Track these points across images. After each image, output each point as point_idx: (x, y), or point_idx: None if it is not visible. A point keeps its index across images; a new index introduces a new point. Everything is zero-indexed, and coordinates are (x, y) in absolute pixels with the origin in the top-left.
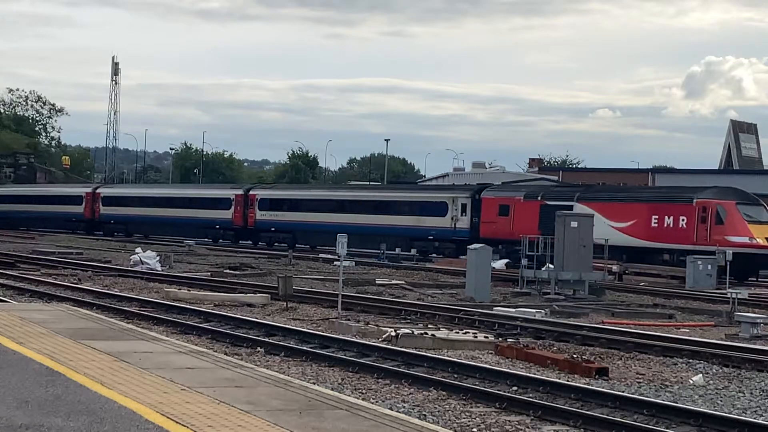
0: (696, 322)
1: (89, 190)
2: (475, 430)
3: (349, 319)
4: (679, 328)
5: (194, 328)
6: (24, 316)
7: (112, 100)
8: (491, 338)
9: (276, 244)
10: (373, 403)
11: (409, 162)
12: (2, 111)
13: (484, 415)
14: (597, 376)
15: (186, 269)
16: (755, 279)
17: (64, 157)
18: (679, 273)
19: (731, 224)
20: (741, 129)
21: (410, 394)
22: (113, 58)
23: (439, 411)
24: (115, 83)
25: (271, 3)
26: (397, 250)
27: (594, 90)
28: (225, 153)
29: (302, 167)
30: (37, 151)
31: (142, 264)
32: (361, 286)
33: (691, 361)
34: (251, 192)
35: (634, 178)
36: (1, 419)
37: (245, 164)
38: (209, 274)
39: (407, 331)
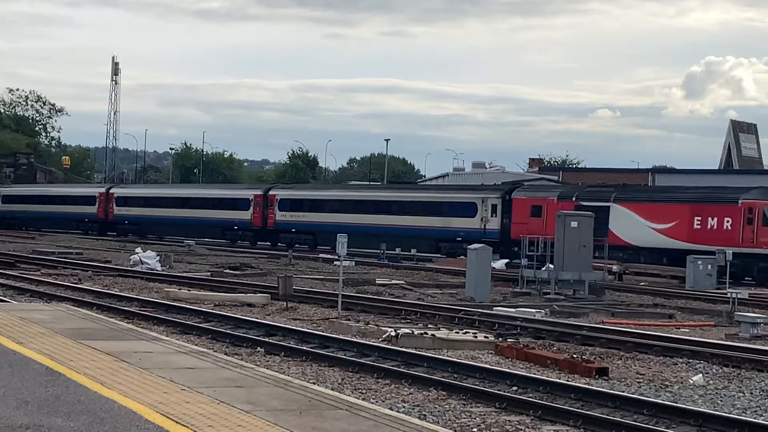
0: (696, 322)
1: (102, 190)
2: (475, 430)
3: (349, 319)
4: (679, 328)
5: (194, 328)
6: (24, 316)
7: (112, 100)
8: (491, 338)
9: (297, 245)
10: (373, 403)
11: (409, 162)
12: (2, 111)
13: (484, 415)
14: (597, 376)
15: (186, 269)
16: None
17: (64, 157)
18: (679, 273)
19: None
20: (741, 129)
21: (410, 394)
22: (113, 58)
23: (439, 411)
24: (115, 83)
25: (271, 3)
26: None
27: (594, 90)
28: (225, 153)
29: (302, 167)
30: (37, 151)
31: (142, 264)
32: (361, 286)
33: (691, 361)
34: (271, 192)
35: (634, 178)
36: (1, 419)
37: (245, 164)
38: (209, 274)
39: (407, 331)
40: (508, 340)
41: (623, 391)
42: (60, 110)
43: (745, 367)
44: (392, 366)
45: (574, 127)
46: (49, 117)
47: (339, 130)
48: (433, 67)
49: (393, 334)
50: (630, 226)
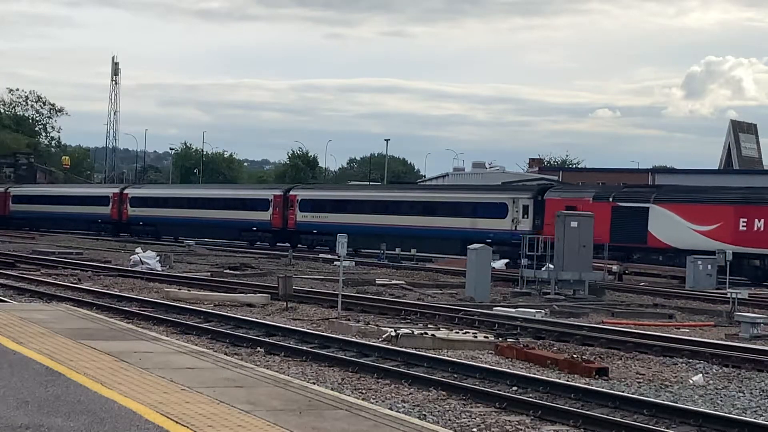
0: (696, 322)
1: (116, 190)
2: (475, 430)
3: (349, 319)
4: (679, 328)
5: (194, 328)
6: (24, 316)
7: (112, 100)
8: (491, 338)
9: (318, 246)
10: (373, 403)
11: (409, 162)
12: (2, 111)
13: (484, 415)
14: (597, 376)
15: (186, 269)
16: None
17: (64, 158)
18: (679, 273)
19: None
20: (741, 129)
21: (410, 394)
22: (113, 58)
23: (439, 411)
24: (115, 83)
25: (271, 3)
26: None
27: (594, 90)
28: (225, 153)
29: (302, 167)
30: (37, 151)
31: (142, 264)
32: (361, 286)
33: (691, 361)
34: (291, 192)
35: (634, 178)
36: (1, 419)
37: (245, 164)
38: (209, 274)
39: (407, 331)
40: (508, 340)
41: (623, 391)
42: (60, 110)
43: (745, 367)
44: (392, 366)
45: (574, 127)
46: (49, 117)
47: (339, 130)
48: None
49: (393, 334)
50: (670, 227)
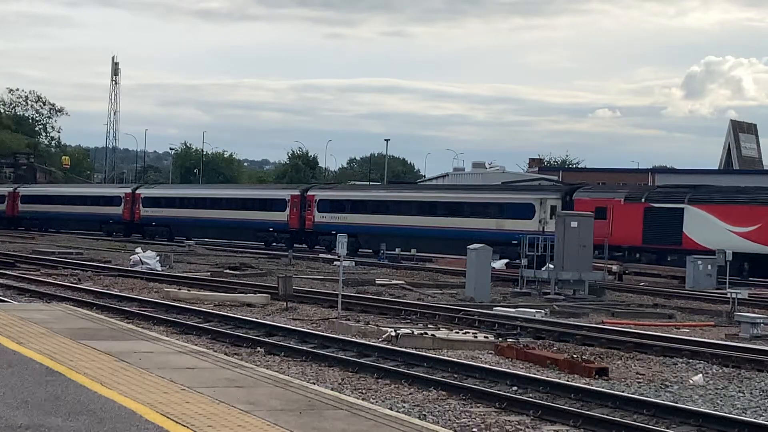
0: (696, 322)
1: (128, 190)
2: (475, 430)
3: (349, 319)
4: (679, 328)
5: (194, 328)
6: (24, 316)
7: (112, 100)
8: (491, 338)
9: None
10: (373, 403)
11: (409, 162)
12: (2, 111)
13: (484, 415)
14: (597, 376)
15: (186, 269)
16: None
17: (63, 158)
18: (679, 273)
19: None
20: (741, 129)
21: (410, 394)
22: (113, 58)
23: (439, 411)
24: (115, 83)
25: (271, 3)
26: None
27: (594, 90)
28: (225, 153)
29: (302, 167)
30: (37, 151)
31: (142, 264)
32: (361, 286)
33: (691, 361)
34: (309, 193)
35: (634, 178)
36: (1, 419)
37: (245, 164)
38: (209, 274)
39: (407, 331)
40: (508, 340)
41: (623, 391)
42: (60, 110)
43: (745, 367)
44: (392, 366)
45: (574, 127)
46: (49, 117)
47: (339, 130)
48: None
49: (393, 334)
50: (707, 229)
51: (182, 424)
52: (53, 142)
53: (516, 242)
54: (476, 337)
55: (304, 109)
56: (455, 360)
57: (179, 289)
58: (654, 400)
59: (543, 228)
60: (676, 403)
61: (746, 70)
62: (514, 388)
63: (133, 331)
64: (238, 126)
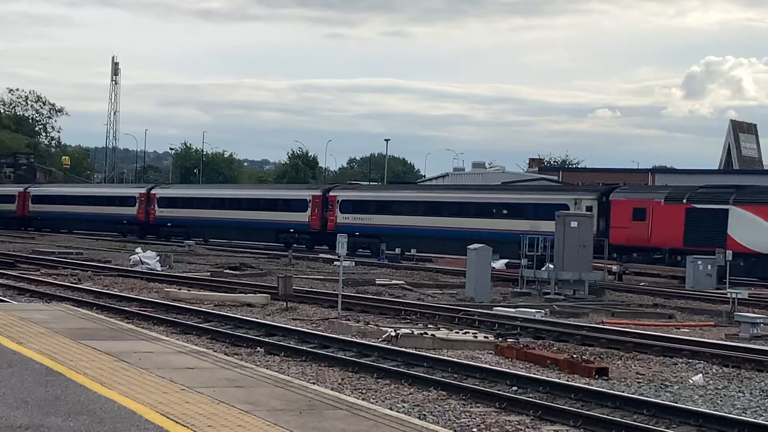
0: (696, 322)
1: (143, 190)
2: (475, 430)
3: (349, 319)
4: (679, 328)
5: (194, 328)
6: (24, 316)
7: (112, 100)
8: (491, 338)
9: (360, 250)
10: (373, 403)
11: (409, 162)
12: (2, 111)
13: (484, 415)
14: (597, 376)
15: (186, 269)
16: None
17: (63, 157)
18: (679, 273)
19: None
20: (741, 129)
21: (410, 394)
22: (113, 58)
23: (439, 411)
24: (115, 83)
25: (271, 3)
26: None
27: (594, 90)
28: (225, 153)
29: (302, 167)
30: (37, 151)
31: (142, 264)
32: (361, 286)
33: (691, 361)
34: (331, 193)
35: (634, 178)
36: (1, 419)
37: (245, 164)
38: (209, 274)
39: (407, 331)
40: (508, 340)
41: (623, 391)
42: (60, 110)
43: (745, 367)
44: (392, 366)
45: (574, 127)
46: (49, 117)
47: (339, 130)
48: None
49: (393, 334)
50: (754, 231)
51: (182, 424)
52: (53, 142)
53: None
54: (476, 337)
55: (304, 109)
56: (455, 360)
57: (179, 289)
58: (654, 400)
59: None
60: (676, 403)
61: (746, 70)
62: (514, 388)
63: (133, 331)
64: (238, 126)
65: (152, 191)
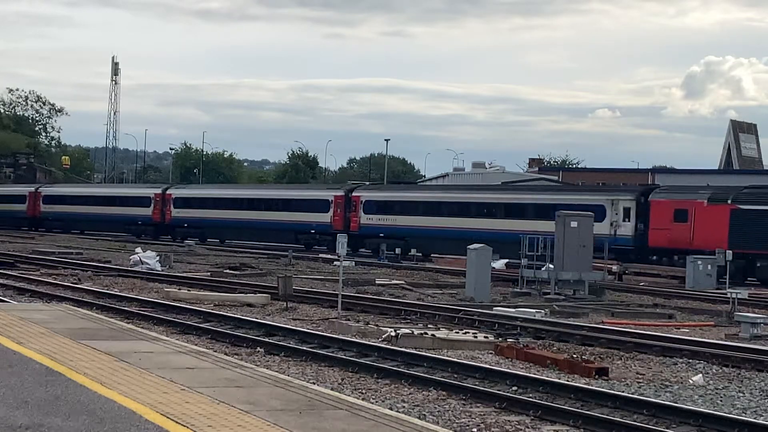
0: (696, 322)
1: (158, 191)
2: (475, 430)
3: (349, 319)
4: (679, 328)
5: (194, 328)
6: (24, 316)
7: (112, 100)
8: (491, 338)
9: (383, 251)
10: (373, 403)
11: (409, 162)
12: (2, 111)
13: (484, 415)
14: (597, 376)
15: (186, 269)
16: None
17: (63, 157)
18: (679, 273)
19: None
20: (741, 129)
21: (410, 394)
22: (113, 58)
23: (439, 411)
24: (115, 83)
25: (271, 3)
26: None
27: (594, 90)
28: (225, 153)
29: (302, 167)
30: (37, 151)
31: (142, 264)
32: (361, 286)
33: (691, 361)
34: (354, 193)
35: (634, 178)
36: (1, 419)
37: (245, 164)
38: (209, 274)
39: (407, 331)
40: (508, 340)
41: (623, 391)
42: (60, 110)
43: (745, 367)
44: (392, 366)
45: (574, 127)
46: (49, 117)
47: (339, 130)
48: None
49: (393, 334)
50: None
51: (182, 424)
52: (53, 142)
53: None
54: (476, 337)
55: (304, 109)
56: (455, 360)
57: (179, 289)
58: (654, 400)
59: (615, 231)
60: (676, 403)
61: (746, 70)
62: (514, 388)
63: (133, 331)
64: (238, 126)
65: (168, 191)
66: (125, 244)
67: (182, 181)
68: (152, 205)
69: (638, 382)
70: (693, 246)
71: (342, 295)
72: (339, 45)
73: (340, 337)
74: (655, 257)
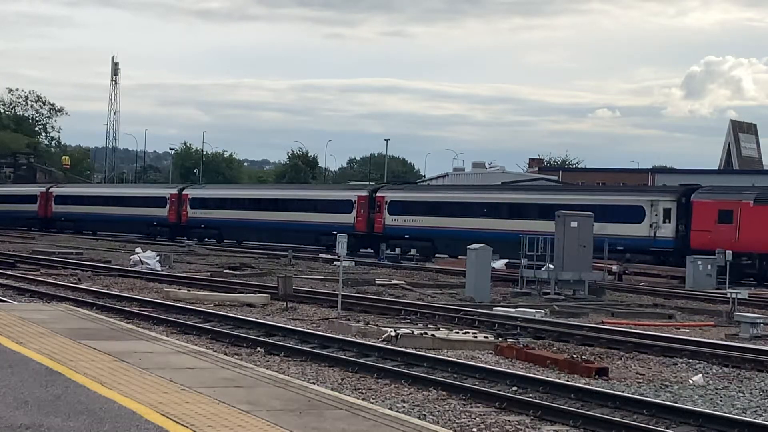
0: (696, 322)
1: (174, 191)
2: (474, 430)
3: (349, 319)
4: (679, 328)
5: (194, 328)
6: (24, 316)
7: (112, 100)
8: (491, 338)
9: (411, 252)
10: (373, 403)
11: (409, 162)
12: (2, 111)
13: (484, 415)
14: (597, 376)
15: (186, 269)
16: None
17: (63, 157)
18: (679, 273)
19: None
20: (741, 129)
21: (410, 394)
22: (113, 58)
23: (439, 411)
24: (115, 83)
25: (271, 3)
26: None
27: (594, 90)
28: (225, 153)
29: (302, 167)
30: (37, 151)
31: (142, 264)
32: (361, 286)
33: (691, 361)
34: (378, 194)
35: (634, 178)
36: (1, 419)
37: (245, 164)
38: (209, 274)
39: (407, 331)
40: (508, 340)
41: (623, 391)
42: (60, 110)
43: (745, 367)
44: (392, 366)
45: (574, 127)
46: (49, 117)
47: (339, 130)
48: (433, 67)
49: (393, 334)
50: None
51: (182, 424)
52: (53, 142)
53: (622, 248)
54: (476, 337)
55: (304, 109)
56: (455, 360)
57: (179, 289)
58: (654, 400)
59: (654, 233)
60: (676, 403)
61: (746, 70)
62: (514, 388)
63: (133, 331)
64: (238, 126)
65: (184, 192)
66: (125, 244)
67: (183, 180)
68: (168, 205)
69: (638, 382)
70: (738, 248)
71: (342, 295)
72: (339, 45)
73: (340, 337)
74: None
